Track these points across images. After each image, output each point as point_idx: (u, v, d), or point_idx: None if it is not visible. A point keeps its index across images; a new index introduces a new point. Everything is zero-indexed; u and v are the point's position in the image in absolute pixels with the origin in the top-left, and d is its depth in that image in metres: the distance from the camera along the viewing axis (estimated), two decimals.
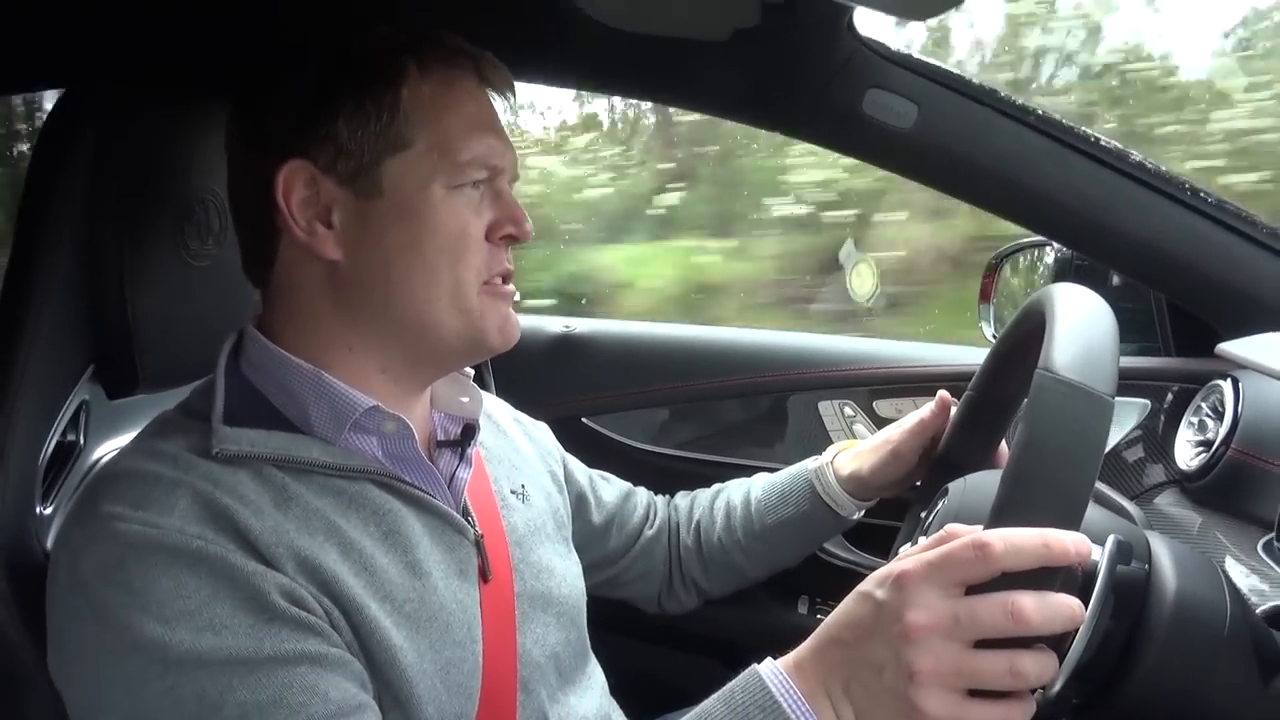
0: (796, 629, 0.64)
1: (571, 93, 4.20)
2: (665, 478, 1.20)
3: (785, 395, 1.39)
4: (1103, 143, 1.01)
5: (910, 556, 0.58)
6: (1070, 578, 0.57)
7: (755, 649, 0.64)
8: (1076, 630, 0.56)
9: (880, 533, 1.10)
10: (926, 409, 1.00)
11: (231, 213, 0.79)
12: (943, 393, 1.00)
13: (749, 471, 1.14)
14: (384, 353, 0.76)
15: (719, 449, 1.42)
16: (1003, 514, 0.57)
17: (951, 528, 0.59)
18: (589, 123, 3.30)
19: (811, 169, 2.79)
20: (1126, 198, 1.01)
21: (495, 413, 0.97)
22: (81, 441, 0.88)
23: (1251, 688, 0.60)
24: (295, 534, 0.67)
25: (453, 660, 0.72)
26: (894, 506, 1.03)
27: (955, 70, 1.01)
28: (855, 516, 1.04)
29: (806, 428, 1.37)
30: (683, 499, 1.14)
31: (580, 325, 1.51)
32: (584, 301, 2.82)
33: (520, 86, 0.81)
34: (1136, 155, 1.01)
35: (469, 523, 0.79)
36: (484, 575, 0.78)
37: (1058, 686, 0.55)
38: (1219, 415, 1.00)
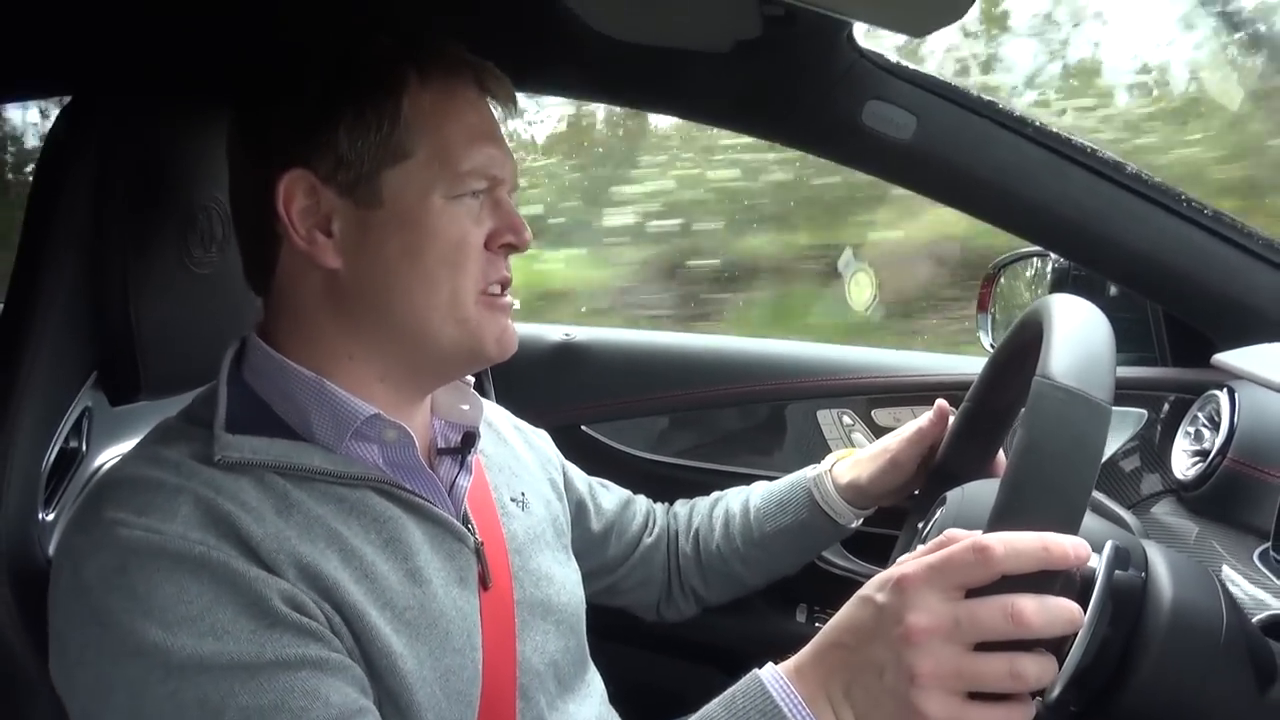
0: (795, 637, 0.64)
1: None
2: (664, 486, 1.20)
3: (784, 404, 1.40)
4: (1100, 154, 1.02)
5: (911, 560, 0.59)
6: (1069, 582, 0.57)
7: (754, 657, 0.64)
8: (1075, 635, 0.56)
9: (878, 541, 1.10)
10: (925, 418, 1.00)
11: (233, 220, 0.79)
12: (941, 402, 1.00)
13: (748, 480, 1.14)
14: (384, 361, 0.76)
15: (718, 457, 1.42)
16: (1002, 518, 0.57)
17: (951, 532, 0.59)
18: None
19: (647, 180, 2.94)
20: (1123, 209, 1.02)
21: (495, 420, 0.97)
22: (84, 448, 0.88)
23: (1248, 697, 0.60)
24: (296, 540, 0.68)
25: (452, 667, 0.73)
26: (892, 515, 1.03)
27: (954, 82, 1.01)
28: (854, 525, 1.04)
29: (805, 436, 1.38)
30: (682, 507, 1.14)
31: (580, 333, 1.52)
32: None
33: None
34: (1133, 167, 1.02)
35: (469, 530, 0.79)
36: (484, 583, 0.78)
37: (1057, 691, 0.56)
38: (1215, 425, 1.00)
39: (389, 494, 0.74)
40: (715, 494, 1.13)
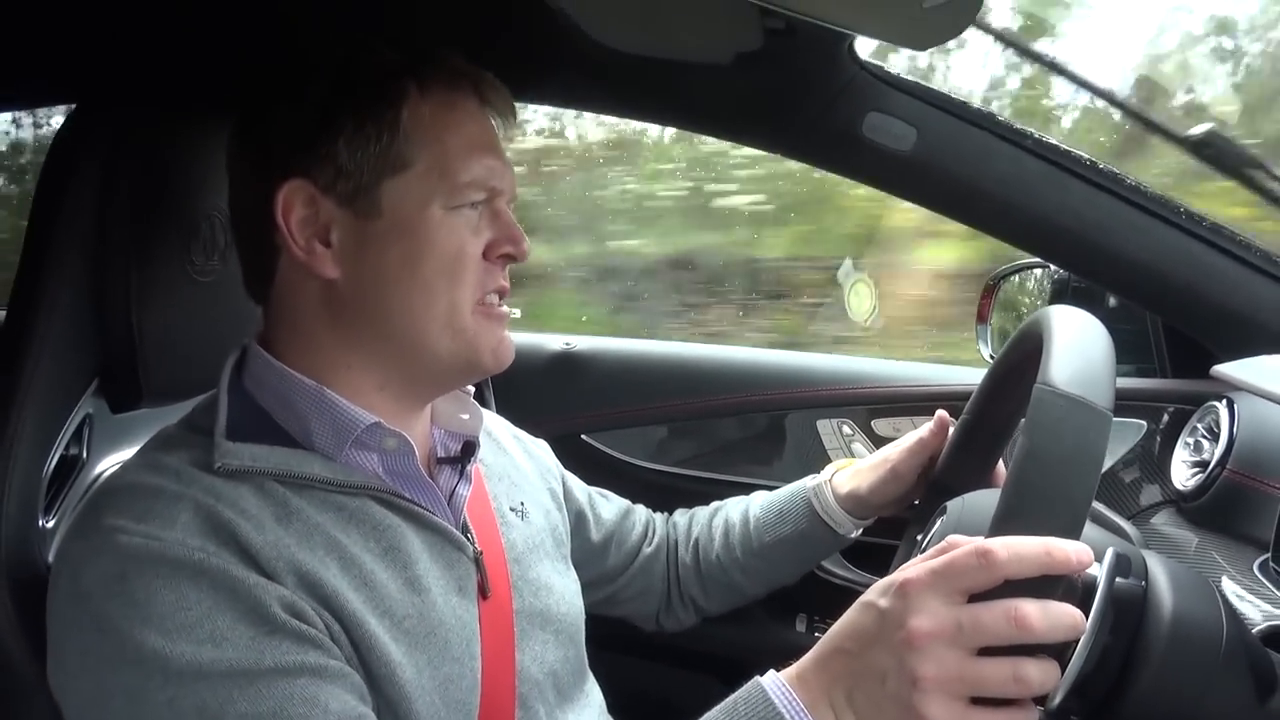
0: (795, 646, 0.64)
1: None
2: (664, 495, 1.20)
3: (784, 413, 1.40)
4: (1099, 166, 1.02)
5: (913, 564, 0.59)
6: (1070, 589, 0.57)
7: (753, 666, 0.64)
8: (1077, 643, 0.56)
9: (878, 551, 1.10)
10: (925, 428, 1.00)
11: (232, 230, 0.80)
12: (941, 412, 1.00)
13: (748, 489, 1.14)
14: (382, 371, 0.76)
15: (718, 466, 1.42)
16: (1005, 523, 0.58)
17: (953, 538, 0.59)
18: None
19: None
20: (1123, 220, 1.02)
21: (495, 430, 0.97)
22: (84, 455, 0.88)
23: (1248, 707, 0.60)
24: (296, 548, 0.68)
25: (451, 676, 0.73)
26: (892, 525, 1.03)
27: (954, 94, 1.02)
28: (853, 535, 1.04)
29: (805, 446, 1.38)
30: (681, 516, 1.14)
31: (580, 343, 1.52)
32: None
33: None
34: (1132, 179, 1.02)
35: (468, 539, 0.79)
36: (483, 592, 0.78)
37: (1058, 698, 0.56)
38: (1215, 436, 1.00)
39: (388, 503, 0.74)
40: (715, 504, 1.13)
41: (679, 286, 2.39)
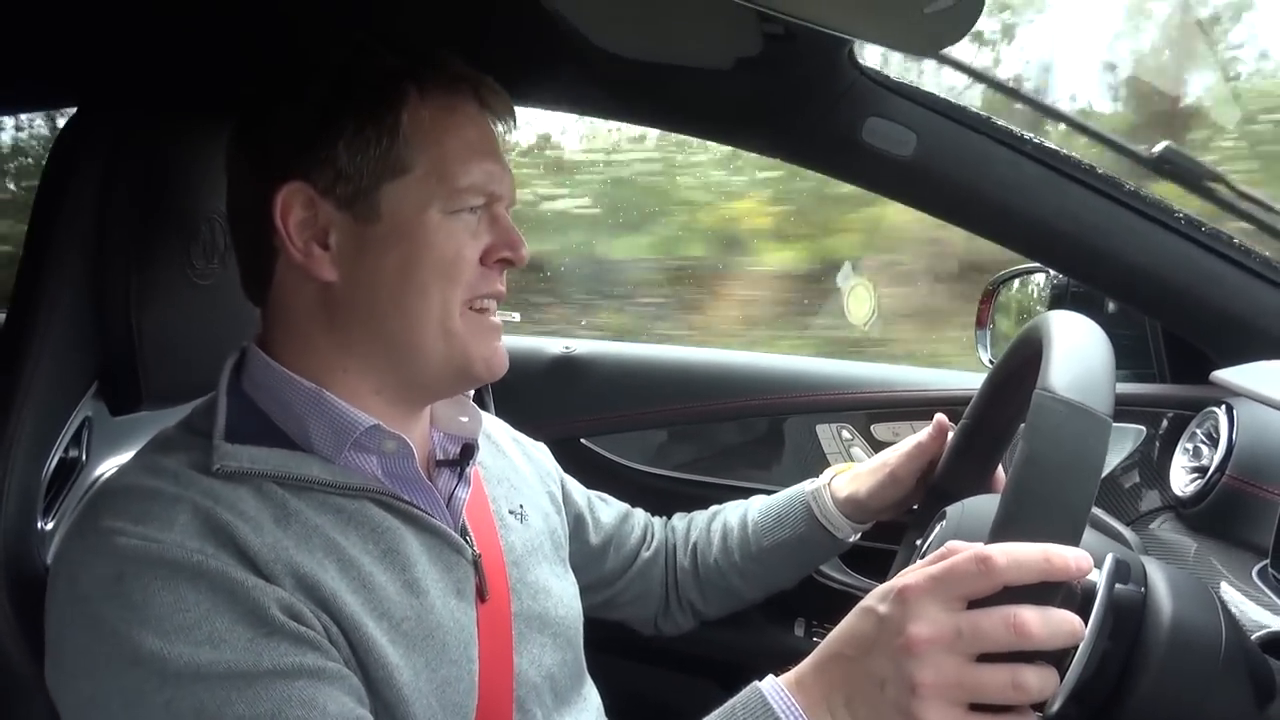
0: (793, 651, 0.64)
1: None
2: (663, 499, 1.20)
3: (783, 418, 1.40)
4: (1098, 171, 1.02)
5: (912, 570, 0.59)
6: (1070, 595, 0.58)
7: (752, 670, 0.64)
8: (1076, 649, 0.56)
9: (877, 556, 1.10)
10: (924, 433, 1.00)
11: (230, 231, 0.80)
12: (940, 417, 1.00)
13: (746, 493, 1.14)
14: (377, 376, 0.76)
15: (716, 470, 1.42)
16: (1004, 529, 0.58)
17: (952, 544, 0.59)
18: None
19: None
20: (1122, 225, 1.02)
21: (494, 433, 0.97)
22: (84, 458, 0.88)
23: (1247, 713, 0.60)
24: (294, 550, 0.68)
25: (449, 679, 0.73)
26: (891, 529, 1.03)
27: (954, 99, 1.02)
28: (852, 539, 1.04)
29: (804, 450, 1.38)
30: (680, 520, 1.14)
31: (580, 346, 1.52)
32: None
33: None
34: (1131, 184, 1.03)
35: (467, 542, 0.79)
36: (481, 595, 0.78)
37: (1058, 704, 0.56)
38: (1214, 442, 1.00)
39: (387, 505, 0.74)
40: (713, 508, 1.13)
41: (524, 286, 2.43)
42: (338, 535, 0.71)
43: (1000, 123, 1.02)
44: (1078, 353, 0.64)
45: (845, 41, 0.93)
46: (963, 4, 0.69)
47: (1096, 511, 0.92)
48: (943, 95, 1.02)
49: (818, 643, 0.62)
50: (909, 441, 1.01)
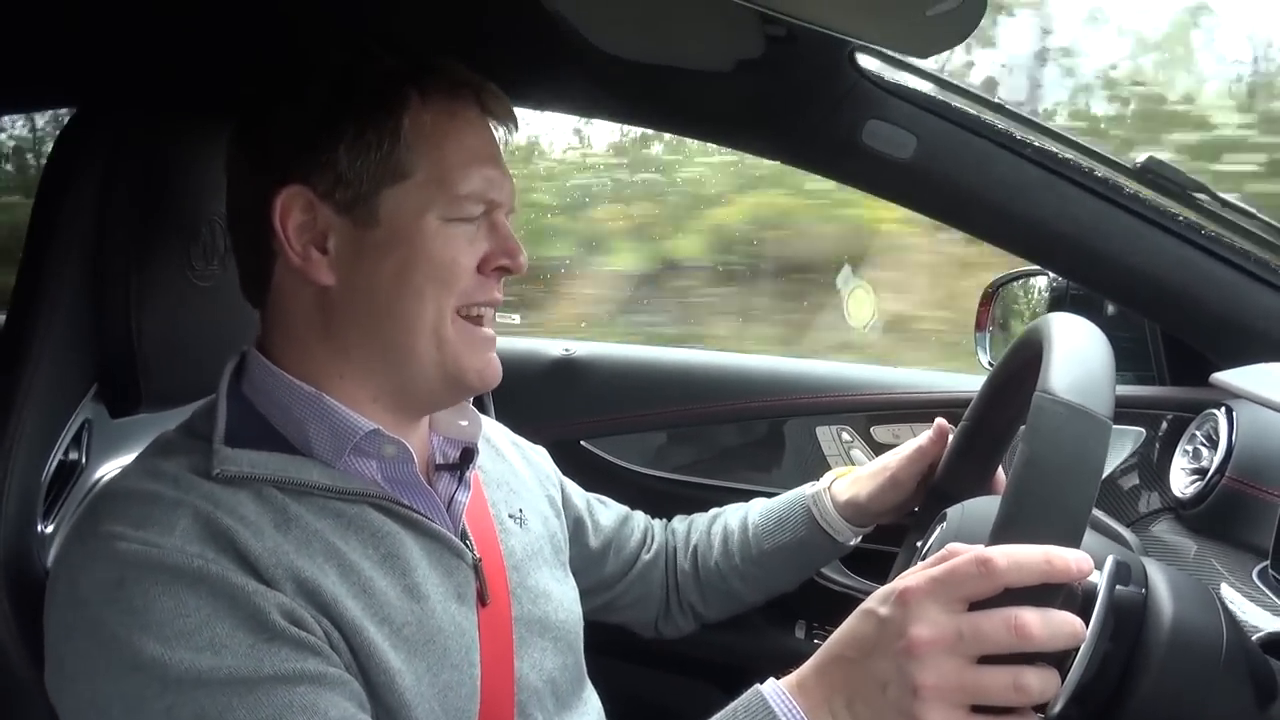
0: (794, 653, 0.64)
1: None
2: (663, 501, 1.20)
3: (783, 420, 1.40)
4: (1097, 174, 1.02)
5: (913, 573, 0.59)
6: (1070, 597, 0.58)
7: (752, 673, 0.64)
8: (1077, 650, 0.56)
9: (878, 558, 1.10)
10: (924, 436, 1.00)
11: (229, 232, 0.80)
12: (940, 420, 1.00)
13: (746, 496, 1.14)
14: (374, 384, 0.76)
15: (717, 473, 1.42)
16: (1005, 531, 0.58)
17: (953, 546, 0.59)
18: None
19: None
20: (1121, 228, 1.02)
21: (494, 436, 0.97)
22: (83, 460, 0.88)
23: (1247, 714, 0.60)
24: (295, 555, 0.68)
25: (450, 684, 0.72)
26: (891, 532, 1.03)
27: (954, 102, 1.02)
28: (852, 542, 1.04)
29: (804, 453, 1.38)
30: (680, 523, 1.14)
31: (579, 348, 1.52)
32: None
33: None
34: (1131, 187, 1.03)
35: (467, 546, 0.79)
36: (482, 599, 0.78)
37: (1059, 706, 0.56)
38: (1213, 444, 1.01)
39: (387, 509, 0.74)
40: (714, 510, 1.13)
41: None
42: (338, 540, 0.71)
43: (1000, 125, 1.02)
44: (1077, 355, 0.64)
45: (846, 44, 0.93)
46: (965, 7, 0.69)
47: (1097, 513, 0.92)
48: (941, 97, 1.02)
49: (819, 645, 0.62)
50: (909, 445, 1.01)
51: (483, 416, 0.87)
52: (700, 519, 1.13)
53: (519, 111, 0.82)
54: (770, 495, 1.10)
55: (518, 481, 0.94)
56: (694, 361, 1.51)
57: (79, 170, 0.77)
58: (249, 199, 0.75)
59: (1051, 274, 1.28)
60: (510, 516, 0.88)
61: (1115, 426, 0.60)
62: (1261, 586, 0.81)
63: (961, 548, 0.59)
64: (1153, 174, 0.99)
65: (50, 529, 0.83)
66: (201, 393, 0.78)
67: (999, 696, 0.55)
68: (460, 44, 0.79)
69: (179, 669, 0.60)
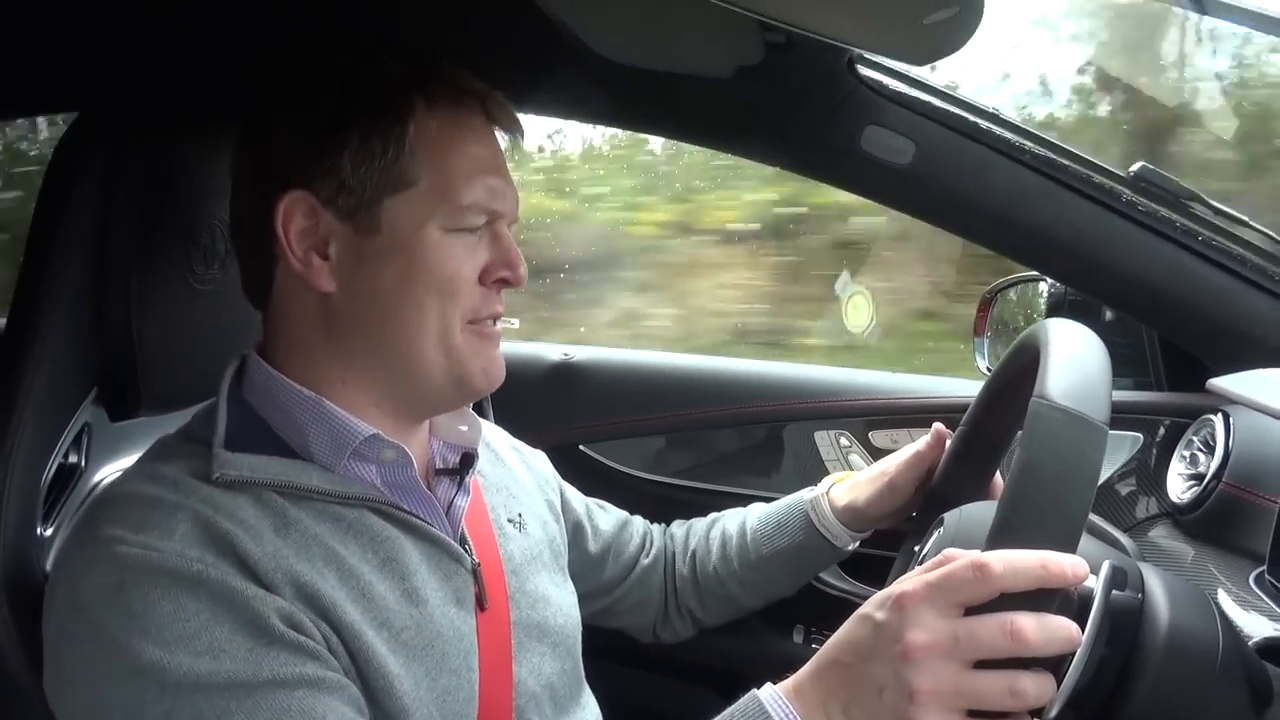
0: (792, 658, 0.64)
1: None
2: (662, 506, 1.20)
3: (781, 425, 1.40)
4: (1095, 180, 1.03)
5: (910, 578, 0.59)
6: (1066, 602, 0.58)
7: (751, 678, 0.64)
8: (1073, 655, 0.56)
9: (876, 563, 1.10)
10: (922, 441, 1.00)
11: (231, 237, 0.80)
12: (938, 425, 1.01)
13: (745, 500, 1.14)
14: (376, 389, 0.76)
15: (715, 478, 1.42)
16: (1001, 536, 0.58)
17: (950, 551, 0.60)
18: None
19: None
20: (1119, 234, 1.02)
21: (493, 441, 0.97)
22: (83, 464, 0.88)
23: (1244, 719, 0.60)
24: (294, 559, 0.68)
25: (449, 688, 0.72)
26: (889, 537, 1.03)
27: (952, 109, 1.03)
28: (850, 547, 1.04)
29: (802, 458, 1.38)
30: (679, 528, 1.14)
31: (579, 353, 1.52)
32: None
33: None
34: (1128, 193, 1.03)
35: (466, 551, 0.79)
36: (480, 604, 0.78)
37: (1055, 711, 0.56)
38: (1210, 449, 1.01)
39: (386, 514, 0.74)
40: (712, 515, 1.13)
41: None
42: (337, 544, 0.71)
43: (999, 132, 1.03)
44: (1075, 360, 0.65)
45: (845, 51, 0.93)
46: (962, 14, 0.70)
47: (1094, 518, 0.92)
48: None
49: (816, 650, 0.62)
50: (907, 450, 1.01)
51: (482, 421, 0.87)
52: (699, 524, 1.13)
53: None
54: (769, 500, 1.10)
55: (517, 486, 0.94)
56: (693, 366, 1.51)
57: (80, 174, 0.77)
58: (252, 203, 0.75)
59: (1049, 280, 1.28)
60: (509, 521, 0.89)
61: (1112, 432, 0.60)
62: (1258, 592, 0.81)
63: (958, 553, 0.59)
64: (1145, 182, 1.00)
65: (49, 532, 0.83)
66: (201, 396, 0.78)
67: (995, 701, 0.56)
68: (460, 47, 0.80)
69: (178, 673, 0.60)
